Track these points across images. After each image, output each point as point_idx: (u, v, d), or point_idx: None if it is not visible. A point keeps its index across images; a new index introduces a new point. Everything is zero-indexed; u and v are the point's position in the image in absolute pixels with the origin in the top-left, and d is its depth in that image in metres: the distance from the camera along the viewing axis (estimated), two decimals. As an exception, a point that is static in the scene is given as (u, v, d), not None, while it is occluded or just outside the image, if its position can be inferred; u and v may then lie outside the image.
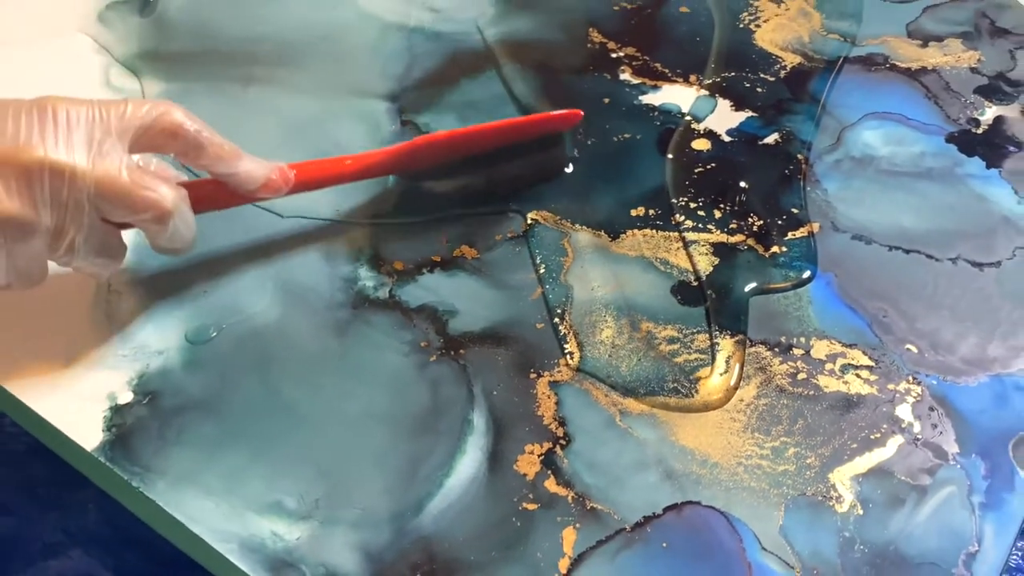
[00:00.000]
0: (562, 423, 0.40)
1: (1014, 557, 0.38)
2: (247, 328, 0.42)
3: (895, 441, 0.39)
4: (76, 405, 0.39)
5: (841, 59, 0.56)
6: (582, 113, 0.50)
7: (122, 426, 0.39)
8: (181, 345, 0.41)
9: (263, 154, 0.42)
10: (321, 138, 0.50)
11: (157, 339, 0.42)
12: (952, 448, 0.39)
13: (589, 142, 0.51)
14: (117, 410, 0.39)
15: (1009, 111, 0.54)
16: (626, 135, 0.51)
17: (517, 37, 0.57)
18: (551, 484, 0.38)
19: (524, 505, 0.37)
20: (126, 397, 0.40)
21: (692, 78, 0.55)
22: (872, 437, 0.40)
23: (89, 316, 0.42)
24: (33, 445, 0.40)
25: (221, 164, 0.40)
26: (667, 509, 0.37)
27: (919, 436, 0.40)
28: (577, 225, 0.47)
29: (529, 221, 0.47)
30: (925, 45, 0.58)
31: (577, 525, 0.37)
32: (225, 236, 0.45)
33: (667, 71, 0.55)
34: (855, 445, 0.39)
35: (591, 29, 0.57)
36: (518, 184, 0.48)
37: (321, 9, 0.58)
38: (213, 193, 0.41)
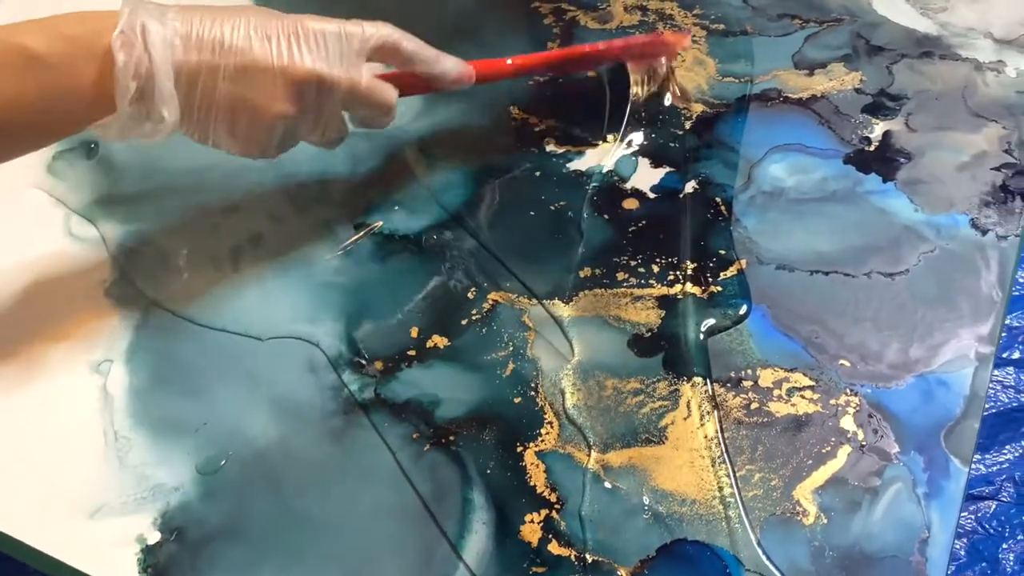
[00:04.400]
0: (554, 488, 0.44)
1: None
2: (252, 451, 0.46)
3: (844, 451, 0.45)
4: (108, 552, 0.42)
5: (741, 99, 0.62)
6: (689, 35, 0.65)
7: (156, 565, 0.42)
8: (194, 478, 0.45)
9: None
10: (283, 254, 0.54)
11: (171, 476, 0.45)
12: (893, 448, 0.45)
13: (531, 214, 0.56)
14: (148, 551, 0.43)
15: (895, 125, 0.60)
16: (562, 203, 0.56)
17: (446, 126, 0.61)
18: (554, 547, 0.42)
19: (533, 570, 0.41)
20: (154, 537, 0.43)
21: (611, 137, 0.60)
22: (823, 451, 0.45)
23: (103, 465, 0.45)
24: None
25: (428, 66, 0.52)
26: (659, 550, 0.42)
27: (864, 443, 0.45)
28: (532, 300, 0.51)
29: (490, 302, 0.51)
30: (811, 73, 0.64)
31: (583, 579, 0.41)
32: (213, 368, 0.49)
33: (587, 135, 0.60)
34: (810, 461, 0.44)
35: (512, 107, 0.62)
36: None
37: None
38: (413, 82, 0.53)
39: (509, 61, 0.56)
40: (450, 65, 0.53)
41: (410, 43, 0.50)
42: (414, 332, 0.50)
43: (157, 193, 0.58)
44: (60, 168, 0.59)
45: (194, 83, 0.44)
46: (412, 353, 0.49)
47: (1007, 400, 0.85)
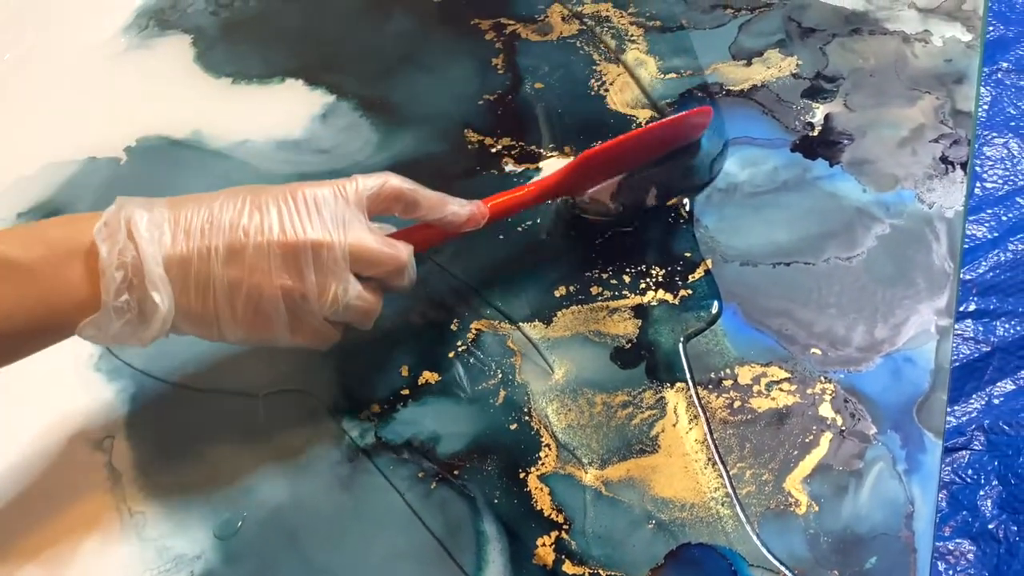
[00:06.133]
0: (560, 509, 0.46)
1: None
2: (266, 511, 0.47)
3: (826, 438, 0.48)
4: (142, 629, 0.44)
5: (685, 94, 0.64)
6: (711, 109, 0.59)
7: (191, 636, 0.44)
8: (214, 544, 0.46)
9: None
10: (266, 309, 0.55)
11: (190, 545, 0.46)
12: (871, 430, 0.48)
13: (500, 237, 0.57)
14: (181, 622, 0.44)
15: (834, 107, 0.62)
16: (528, 223, 0.58)
17: (405, 157, 0.62)
18: (568, 567, 0.44)
19: (552, 591, 0.44)
20: (184, 607, 0.45)
21: (567, 149, 0.62)
22: (807, 440, 0.48)
23: (123, 543, 0.47)
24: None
25: (433, 212, 0.49)
26: (666, 557, 0.44)
27: (843, 428, 0.48)
28: (515, 324, 0.53)
29: (473, 332, 0.53)
30: (749, 63, 0.66)
31: (599, 594, 0.44)
32: (213, 430, 0.50)
33: (542, 151, 0.62)
34: (796, 452, 0.47)
35: (466, 130, 0.63)
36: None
37: (215, 179, 0.62)
38: (427, 235, 0.50)
39: (527, 188, 0.54)
40: (456, 207, 0.49)
41: (411, 188, 0.48)
42: (404, 371, 0.52)
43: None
44: (27, 245, 0.60)
45: (187, 270, 0.43)
46: (405, 392, 0.51)
47: (969, 352, 0.89)
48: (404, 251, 0.47)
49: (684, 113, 0.58)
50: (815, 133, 0.61)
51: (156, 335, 0.43)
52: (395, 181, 0.47)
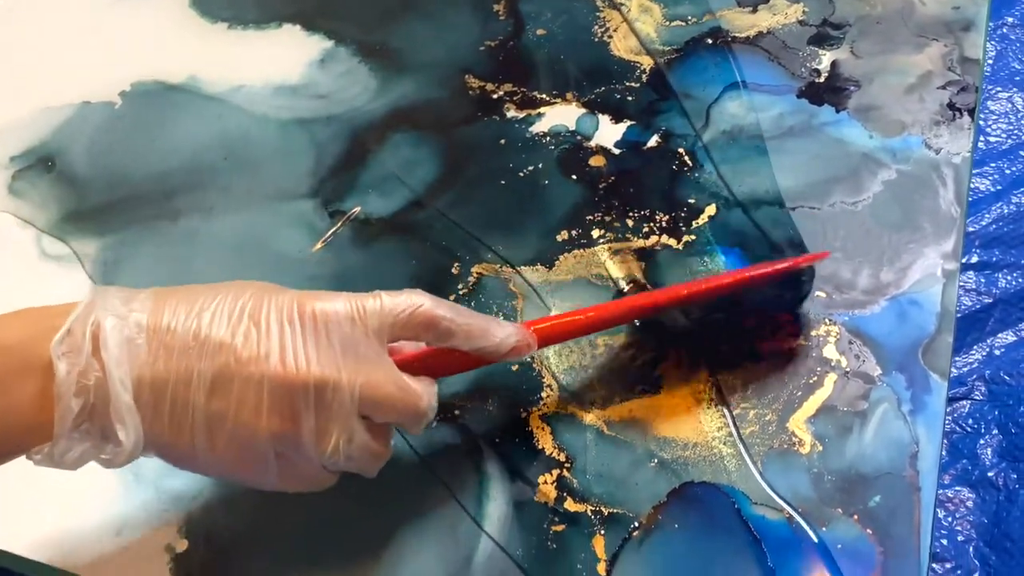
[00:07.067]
0: (561, 448, 0.46)
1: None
2: (265, 450, 0.47)
3: (830, 379, 0.47)
4: (141, 567, 0.44)
5: (690, 42, 0.63)
6: (829, 253, 0.50)
7: (191, 572, 0.43)
8: (212, 484, 0.46)
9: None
10: (264, 252, 0.54)
11: (188, 485, 0.46)
12: (876, 371, 0.47)
13: (501, 183, 0.56)
14: (179, 559, 0.44)
15: (841, 54, 0.62)
16: (530, 168, 0.57)
17: (404, 103, 0.61)
18: (570, 504, 0.44)
19: (554, 529, 0.43)
20: (182, 545, 0.44)
21: (569, 95, 0.61)
22: (811, 381, 0.47)
23: (119, 483, 0.46)
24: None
25: (471, 342, 0.40)
26: (669, 495, 0.44)
27: (848, 369, 0.47)
28: (515, 268, 0.53)
29: (475, 275, 0.53)
30: (755, 10, 0.65)
31: (602, 532, 0.43)
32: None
33: (545, 96, 0.61)
34: (800, 392, 0.47)
35: (467, 76, 0.62)
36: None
37: (210, 124, 0.61)
38: (456, 361, 0.42)
39: (582, 316, 0.44)
40: (504, 334, 0.41)
41: (448, 314, 0.39)
42: (404, 313, 0.51)
43: (125, 203, 0.58)
44: (22, 188, 0.59)
45: (161, 394, 0.35)
46: (406, 334, 0.50)
47: (971, 303, 0.89)
48: (425, 396, 0.39)
49: (796, 260, 0.48)
50: (821, 80, 0.60)
51: (123, 464, 0.36)
52: (428, 305, 0.39)
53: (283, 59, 0.64)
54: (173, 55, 0.65)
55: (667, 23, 0.64)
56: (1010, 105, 1.00)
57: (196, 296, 0.37)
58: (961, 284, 0.87)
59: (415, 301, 0.38)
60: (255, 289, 0.37)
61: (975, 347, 0.86)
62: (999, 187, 0.96)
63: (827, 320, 0.49)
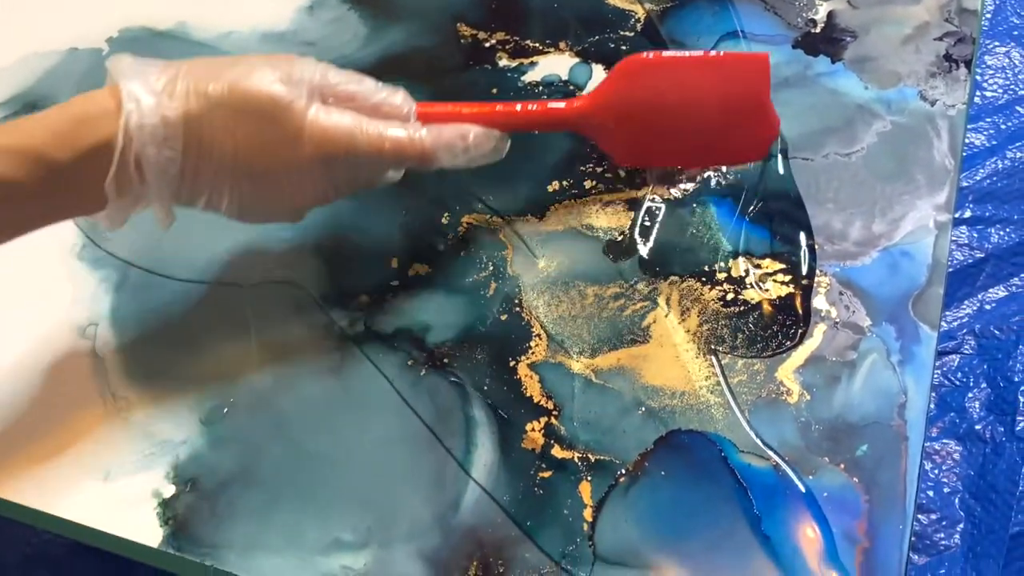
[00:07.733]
0: (549, 396, 0.46)
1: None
2: (253, 396, 0.47)
3: (820, 330, 0.47)
4: (128, 511, 0.44)
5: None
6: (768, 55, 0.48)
7: (177, 517, 0.43)
8: (200, 429, 0.46)
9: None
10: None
11: (176, 430, 0.46)
12: (865, 322, 0.47)
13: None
14: (166, 504, 0.44)
15: (837, 4, 0.61)
16: (521, 118, 0.56)
17: (395, 51, 0.61)
18: (557, 451, 0.44)
19: (540, 475, 0.44)
20: (169, 490, 0.44)
21: (562, 45, 0.60)
22: (800, 331, 0.47)
23: (108, 427, 0.46)
24: (73, 546, 0.45)
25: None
26: (656, 442, 0.44)
27: (837, 320, 0.47)
28: (506, 217, 0.52)
29: (464, 225, 0.52)
30: (752, -41, 0.64)
31: (588, 478, 0.43)
32: (200, 319, 0.49)
33: (538, 45, 0.60)
34: (789, 343, 0.47)
35: (459, 25, 0.61)
36: None
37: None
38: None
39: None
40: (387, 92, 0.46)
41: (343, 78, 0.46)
42: (393, 263, 0.51)
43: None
44: (7, 135, 0.58)
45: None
46: (395, 283, 0.50)
47: (963, 258, 0.89)
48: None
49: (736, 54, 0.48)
50: (817, 30, 0.59)
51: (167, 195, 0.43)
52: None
53: (272, 5, 0.63)
54: (161, 1, 0.64)
55: (663, -28, 0.63)
56: (1007, 60, 0.99)
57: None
58: (953, 239, 0.87)
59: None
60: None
61: (966, 302, 0.86)
62: (994, 142, 0.95)
63: (818, 271, 0.49)
